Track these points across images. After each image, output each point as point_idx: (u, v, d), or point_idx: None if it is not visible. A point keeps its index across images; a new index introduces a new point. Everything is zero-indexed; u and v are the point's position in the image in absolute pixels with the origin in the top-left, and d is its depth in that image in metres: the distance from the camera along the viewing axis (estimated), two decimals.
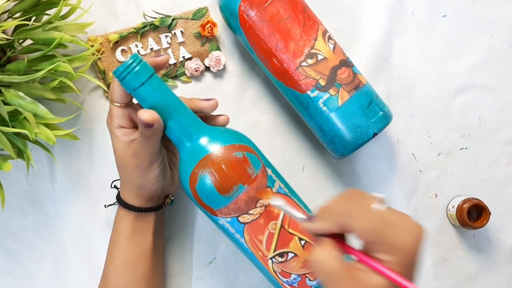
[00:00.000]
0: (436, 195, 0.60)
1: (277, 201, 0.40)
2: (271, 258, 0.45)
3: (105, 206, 0.53)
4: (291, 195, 0.47)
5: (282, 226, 0.44)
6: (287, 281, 0.46)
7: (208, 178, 0.42)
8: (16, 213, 0.57)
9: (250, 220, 0.43)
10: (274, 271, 0.46)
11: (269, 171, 0.45)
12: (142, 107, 0.49)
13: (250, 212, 0.43)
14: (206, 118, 0.48)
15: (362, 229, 0.33)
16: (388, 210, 0.34)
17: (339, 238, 0.36)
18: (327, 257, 0.34)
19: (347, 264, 0.34)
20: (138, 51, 0.56)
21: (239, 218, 0.43)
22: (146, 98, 0.42)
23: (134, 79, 0.41)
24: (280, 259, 0.45)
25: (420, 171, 0.59)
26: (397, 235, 0.33)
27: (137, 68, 0.41)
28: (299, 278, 0.45)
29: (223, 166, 0.42)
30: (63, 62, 0.47)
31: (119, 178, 0.50)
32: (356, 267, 0.34)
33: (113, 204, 0.51)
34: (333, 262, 0.33)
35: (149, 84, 0.42)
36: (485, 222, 0.56)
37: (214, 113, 0.48)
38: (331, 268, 0.33)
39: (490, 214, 0.56)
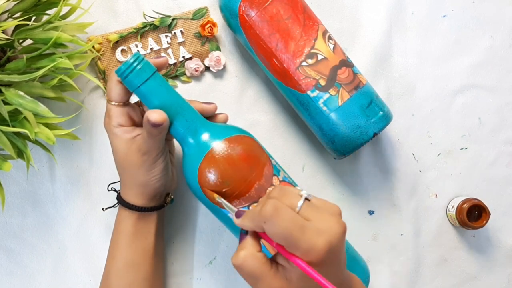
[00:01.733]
0: (436, 195, 0.60)
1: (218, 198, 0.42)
2: None
3: (103, 209, 0.53)
4: (295, 185, 0.47)
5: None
6: None
7: (218, 170, 0.43)
8: (16, 213, 0.57)
9: None
10: None
11: (273, 161, 0.46)
12: (139, 106, 0.49)
13: (260, 200, 0.44)
14: (206, 117, 0.48)
15: (275, 235, 0.34)
16: (308, 209, 0.35)
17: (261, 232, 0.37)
18: (248, 259, 0.36)
19: (269, 261, 0.36)
20: (138, 51, 0.56)
21: (250, 208, 0.44)
22: (149, 96, 0.43)
23: (137, 77, 0.42)
24: None
25: (420, 171, 0.59)
26: (309, 241, 0.34)
27: (139, 66, 0.42)
28: None
29: (232, 157, 0.43)
30: (63, 58, 0.47)
31: (117, 180, 0.50)
32: (279, 262, 0.36)
33: (113, 206, 0.51)
34: (254, 263, 0.36)
35: (152, 81, 0.42)
36: (485, 222, 0.56)
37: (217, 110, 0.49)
38: (253, 270, 0.36)
39: (490, 214, 0.56)
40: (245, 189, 0.43)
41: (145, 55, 0.56)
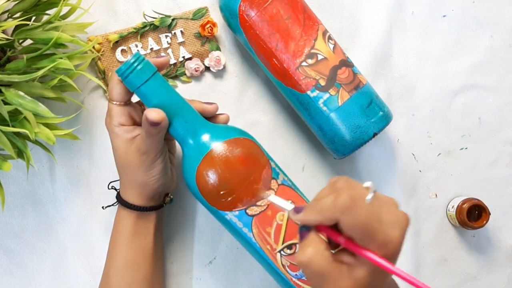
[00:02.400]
0: (436, 195, 0.60)
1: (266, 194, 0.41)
2: (279, 251, 0.45)
3: (102, 207, 0.53)
4: (294, 188, 0.47)
5: (289, 216, 0.44)
6: (296, 274, 0.46)
7: (216, 172, 0.43)
8: (16, 213, 0.57)
9: (258, 212, 0.44)
10: (282, 265, 0.46)
11: (273, 164, 0.46)
12: (140, 105, 0.49)
13: (258, 203, 0.44)
14: (207, 118, 0.48)
15: (353, 227, 0.33)
16: (377, 201, 0.34)
17: (324, 227, 0.35)
18: (317, 257, 0.34)
19: (335, 260, 0.34)
20: (138, 51, 0.56)
21: (247, 211, 0.44)
22: (150, 96, 0.43)
23: (138, 77, 0.42)
24: (288, 251, 0.45)
25: (420, 171, 0.59)
26: (386, 233, 0.33)
27: (140, 67, 0.42)
28: None
29: (230, 159, 0.43)
30: (63, 59, 0.47)
31: (117, 179, 0.50)
32: (343, 261, 0.34)
33: (112, 205, 0.51)
34: (322, 262, 0.33)
35: (153, 82, 0.42)
36: (485, 222, 0.56)
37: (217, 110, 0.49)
38: (321, 268, 0.33)
39: (490, 214, 0.56)
40: (242, 192, 0.43)
41: (145, 55, 0.56)
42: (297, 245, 0.45)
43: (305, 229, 0.36)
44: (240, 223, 0.45)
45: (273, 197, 0.40)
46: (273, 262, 0.46)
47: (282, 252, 0.45)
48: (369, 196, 0.33)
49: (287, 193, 0.45)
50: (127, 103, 0.46)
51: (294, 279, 0.46)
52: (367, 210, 0.33)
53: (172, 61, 0.56)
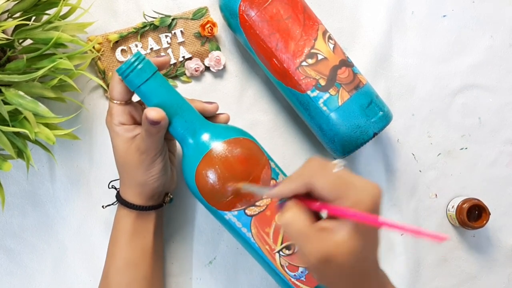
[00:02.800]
0: (436, 195, 0.60)
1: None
2: (278, 252, 0.45)
3: (103, 206, 0.53)
4: None
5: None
6: (295, 275, 0.46)
7: (215, 172, 0.43)
8: (16, 213, 0.57)
9: (257, 212, 0.44)
10: (281, 265, 0.46)
11: (272, 164, 0.46)
12: (141, 105, 0.49)
13: (257, 204, 0.44)
14: (207, 117, 0.48)
15: (325, 187, 0.35)
16: (346, 172, 0.36)
17: (301, 197, 0.37)
18: (296, 219, 0.35)
19: (315, 224, 0.35)
20: (138, 50, 0.56)
21: (246, 211, 0.44)
22: (150, 95, 0.43)
23: (138, 76, 0.42)
24: (287, 251, 0.45)
25: (420, 171, 0.59)
26: (357, 195, 0.34)
27: (140, 66, 0.42)
28: (307, 272, 0.46)
29: (229, 159, 0.43)
30: (63, 59, 0.47)
31: (118, 178, 0.50)
32: (322, 227, 0.35)
33: (112, 204, 0.51)
34: (301, 223, 0.35)
35: (153, 81, 0.43)
36: (485, 222, 0.56)
37: (218, 110, 0.49)
38: (300, 229, 0.35)
39: (490, 214, 0.56)
40: (241, 192, 0.43)
41: (145, 55, 0.56)
42: (296, 245, 0.45)
43: (283, 201, 0.37)
44: (239, 223, 0.45)
45: (247, 186, 0.42)
46: (272, 262, 0.46)
47: (281, 253, 0.45)
48: (337, 168, 0.36)
49: None
50: (128, 102, 0.46)
51: (293, 279, 0.46)
52: (336, 174, 0.35)
53: (172, 61, 0.56)
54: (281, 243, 0.45)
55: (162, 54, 0.56)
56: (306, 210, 0.36)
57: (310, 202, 0.36)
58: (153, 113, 0.42)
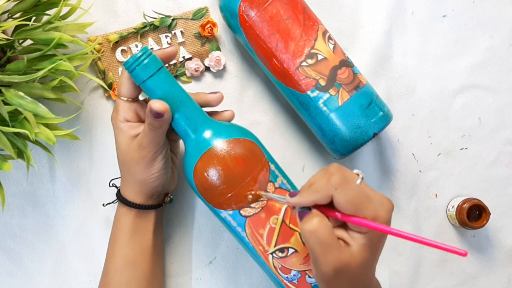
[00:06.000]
0: (436, 195, 0.60)
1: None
2: (271, 253, 0.45)
3: (103, 204, 0.53)
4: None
5: (283, 221, 0.45)
6: (287, 277, 0.46)
7: (212, 170, 0.43)
8: (16, 213, 0.57)
9: (251, 214, 0.44)
10: (274, 266, 0.46)
11: (272, 167, 0.46)
12: (147, 103, 0.49)
13: (252, 205, 0.44)
14: (212, 114, 0.48)
15: (347, 201, 0.36)
16: (365, 184, 0.38)
17: (321, 206, 0.38)
18: (322, 226, 0.36)
19: (335, 235, 0.37)
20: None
21: (241, 211, 0.44)
22: (155, 90, 0.43)
23: (143, 71, 0.43)
24: (280, 254, 0.45)
25: (420, 171, 0.59)
26: (375, 209, 0.36)
27: (146, 61, 0.42)
28: (299, 275, 0.46)
29: (227, 159, 0.43)
30: (64, 60, 0.47)
31: (118, 176, 0.50)
32: (339, 237, 0.37)
33: (112, 202, 0.51)
34: (326, 231, 0.36)
35: (158, 77, 0.43)
36: (485, 222, 0.56)
37: (219, 109, 0.49)
38: (325, 237, 0.36)
39: (490, 214, 0.56)
40: (237, 193, 0.43)
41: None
42: (289, 249, 0.45)
43: (304, 209, 0.38)
44: (234, 222, 0.45)
45: (266, 193, 0.43)
46: (266, 263, 0.46)
47: (274, 255, 0.45)
48: (359, 180, 0.37)
49: None
50: (135, 99, 0.47)
51: (285, 281, 0.46)
52: (358, 188, 0.36)
53: (172, 61, 0.56)
54: (275, 246, 0.45)
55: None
56: (327, 220, 0.37)
57: (331, 211, 0.37)
58: (157, 104, 0.42)
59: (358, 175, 0.38)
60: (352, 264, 0.36)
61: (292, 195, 0.39)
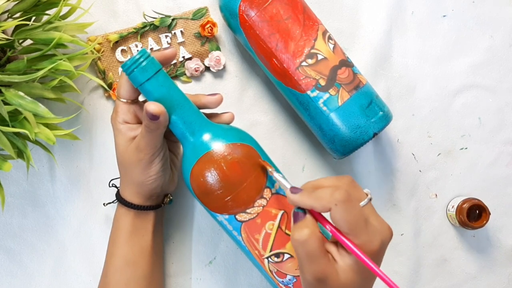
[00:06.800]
0: (436, 195, 0.60)
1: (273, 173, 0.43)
2: (267, 258, 0.45)
3: (104, 204, 0.53)
4: None
5: (279, 227, 0.44)
6: (283, 281, 0.46)
7: (208, 175, 0.42)
8: (16, 213, 0.57)
9: (247, 219, 0.44)
10: (270, 270, 0.46)
11: (271, 171, 0.45)
12: None
13: (248, 211, 0.43)
14: (211, 116, 0.48)
15: (345, 220, 0.35)
16: (369, 207, 0.37)
17: (316, 212, 0.38)
18: (312, 238, 0.36)
19: (325, 246, 0.37)
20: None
21: (237, 216, 0.44)
22: (152, 93, 0.43)
23: (141, 74, 0.42)
24: (276, 259, 0.45)
25: (420, 171, 0.59)
26: (369, 235, 0.36)
27: (144, 63, 0.42)
28: (295, 280, 0.45)
29: (223, 164, 0.42)
30: (64, 60, 0.47)
31: (118, 176, 0.50)
32: (328, 251, 0.37)
33: (112, 202, 0.51)
34: (316, 243, 0.36)
35: (155, 80, 0.43)
36: (485, 222, 0.56)
37: (219, 110, 0.49)
38: (314, 249, 0.35)
39: (490, 214, 0.56)
40: (232, 198, 0.43)
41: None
42: (285, 254, 0.45)
43: (299, 211, 0.38)
44: (230, 226, 0.45)
45: (274, 172, 0.42)
46: (262, 266, 0.46)
47: (269, 259, 0.45)
48: (364, 201, 0.37)
49: (280, 203, 0.44)
50: (134, 101, 0.47)
51: (281, 284, 0.46)
52: (358, 209, 0.36)
53: (172, 61, 0.56)
54: (270, 250, 0.45)
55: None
56: (319, 231, 0.37)
57: (324, 221, 0.37)
58: (152, 106, 0.42)
59: (366, 195, 0.37)
60: (335, 280, 0.36)
61: (293, 191, 0.38)
